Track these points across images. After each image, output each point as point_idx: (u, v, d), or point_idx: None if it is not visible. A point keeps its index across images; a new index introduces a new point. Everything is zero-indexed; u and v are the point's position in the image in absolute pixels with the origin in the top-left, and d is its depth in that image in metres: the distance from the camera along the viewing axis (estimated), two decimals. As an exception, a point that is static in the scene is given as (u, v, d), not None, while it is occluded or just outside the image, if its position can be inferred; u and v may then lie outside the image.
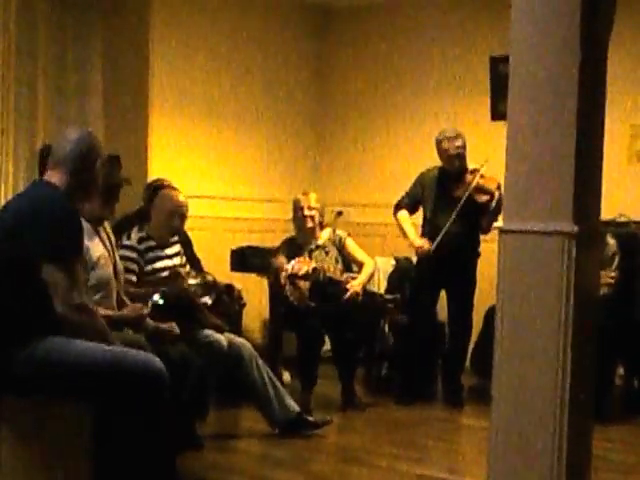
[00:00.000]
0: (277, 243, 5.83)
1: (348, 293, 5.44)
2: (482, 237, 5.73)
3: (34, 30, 5.68)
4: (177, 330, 4.22)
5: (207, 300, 4.84)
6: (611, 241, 5.55)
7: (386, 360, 6.36)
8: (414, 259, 6.05)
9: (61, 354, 3.05)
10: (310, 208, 5.58)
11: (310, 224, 5.57)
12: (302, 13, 7.52)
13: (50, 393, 3.08)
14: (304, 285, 5.37)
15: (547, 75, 3.05)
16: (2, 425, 3.10)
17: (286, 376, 5.95)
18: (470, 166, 5.67)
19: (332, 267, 5.52)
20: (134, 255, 4.55)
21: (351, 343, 5.57)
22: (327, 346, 5.68)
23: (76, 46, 5.96)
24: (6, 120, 5.55)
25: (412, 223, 5.79)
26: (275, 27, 7.25)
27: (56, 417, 3.13)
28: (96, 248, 3.90)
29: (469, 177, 5.60)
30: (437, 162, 5.78)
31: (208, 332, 4.56)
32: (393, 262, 6.56)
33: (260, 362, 4.73)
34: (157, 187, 5.02)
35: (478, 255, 5.75)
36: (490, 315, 5.55)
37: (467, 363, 6.01)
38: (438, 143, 5.68)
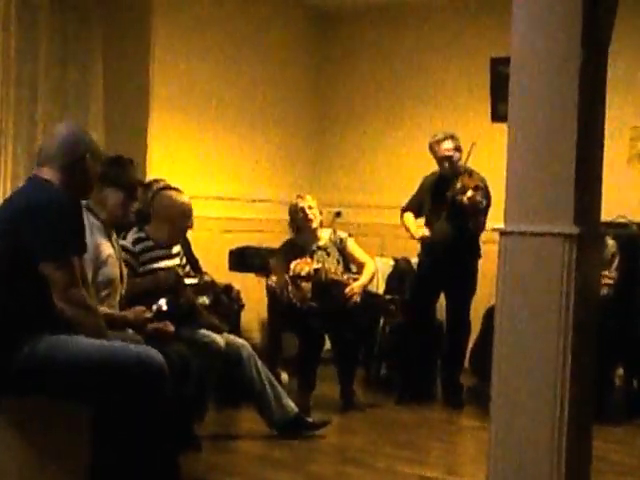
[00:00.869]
0: (276, 243, 5.83)
1: (349, 294, 5.43)
2: (482, 238, 5.73)
3: (34, 31, 5.69)
4: (171, 328, 4.21)
5: (205, 300, 4.83)
6: (610, 242, 5.56)
7: (385, 361, 6.36)
8: (413, 260, 6.06)
9: (61, 352, 3.05)
10: (310, 208, 5.58)
11: (314, 224, 5.57)
12: (302, 15, 7.52)
13: (50, 391, 3.08)
14: (306, 286, 5.37)
15: (548, 77, 3.05)
16: (2, 425, 3.10)
17: (284, 377, 5.94)
18: (466, 166, 5.67)
19: (334, 268, 5.52)
20: (127, 257, 4.51)
21: (351, 343, 5.57)
22: (326, 347, 5.67)
23: (76, 47, 5.97)
24: (6, 121, 5.55)
25: (418, 225, 5.82)
26: (275, 29, 7.25)
27: (56, 417, 3.13)
28: (106, 246, 3.94)
29: (459, 179, 5.60)
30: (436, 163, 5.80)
31: (206, 333, 4.55)
32: (392, 263, 6.57)
33: (259, 363, 4.73)
34: (157, 188, 5.01)
35: (479, 257, 5.75)
36: (489, 316, 5.55)
37: (466, 364, 6.01)
38: (429, 147, 5.72)
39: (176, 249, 4.73)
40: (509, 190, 3.16)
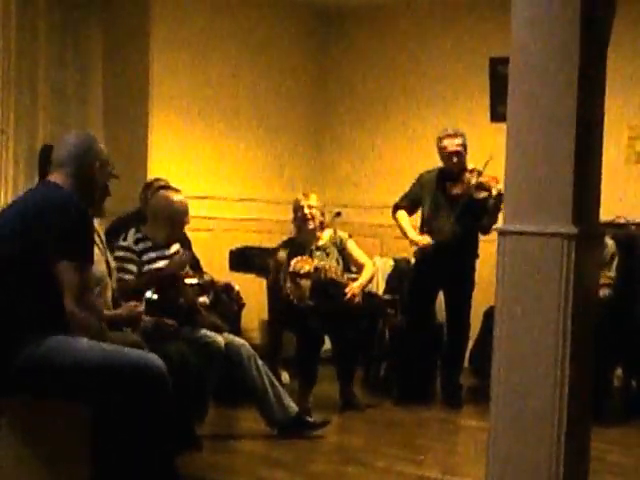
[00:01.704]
0: (276, 244, 5.83)
1: (348, 295, 5.44)
2: (481, 238, 5.74)
3: (34, 31, 5.70)
4: (171, 321, 4.22)
5: (205, 300, 4.84)
6: (609, 242, 5.56)
7: (385, 361, 6.37)
8: (412, 260, 6.06)
9: (63, 353, 3.05)
10: (310, 207, 5.57)
11: (311, 225, 5.55)
12: (303, 14, 7.52)
13: (51, 391, 3.09)
14: (305, 284, 5.37)
15: (547, 76, 3.05)
16: (2, 425, 3.11)
17: (285, 376, 5.95)
18: (469, 166, 5.68)
19: (333, 268, 5.53)
20: (131, 256, 4.53)
21: (350, 343, 5.58)
22: (326, 346, 5.68)
23: (76, 47, 5.98)
24: (6, 120, 5.56)
25: (412, 226, 5.80)
26: (276, 29, 7.25)
27: (56, 417, 3.13)
28: None
29: (468, 176, 5.61)
30: (436, 163, 5.80)
31: (206, 332, 4.56)
32: (392, 263, 6.57)
33: (259, 362, 4.73)
34: (155, 188, 5.02)
35: (477, 256, 5.76)
36: (489, 315, 5.56)
37: (466, 364, 6.01)
38: (438, 141, 5.71)
39: (174, 248, 4.73)
40: (508, 190, 3.17)
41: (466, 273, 5.72)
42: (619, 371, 5.81)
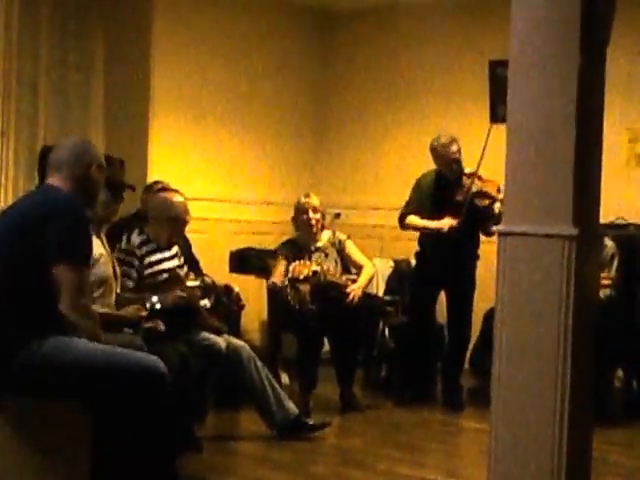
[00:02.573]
0: (276, 245, 5.83)
1: (349, 297, 5.43)
2: (481, 239, 5.74)
3: (36, 32, 5.70)
4: (162, 327, 4.22)
5: (206, 302, 4.84)
6: (609, 243, 5.56)
7: (385, 362, 6.37)
8: (413, 261, 6.06)
9: (64, 353, 3.06)
10: (315, 211, 5.58)
11: (314, 228, 5.57)
12: (302, 17, 7.52)
13: (51, 392, 3.09)
14: (305, 288, 5.37)
15: (546, 79, 3.05)
16: (2, 425, 3.11)
17: (284, 378, 5.95)
18: (467, 169, 5.68)
19: (332, 269, 5.53)
20: (133, 260, 4.52)
21: (350, 345, 5.58)
22: (326, 348, 5.68)
23: (78, 49, 5.99)
24: (7, 121, 5.57)
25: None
26: (276, 31, 7.25)
27: (56, 417, 3.14)
28: (97, 247, 3.93)
29: (467, 181, 5.60)
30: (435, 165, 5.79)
31: (206, 334, 4.56)
32: (392, 264, 6.57)
33: (259, 364, 4.73)
34: (155, 190, 5.02)
35: (478, 257, 5.75)
36: (489, 317, 5.56)
37: (466, 365, 6.01)
38: (433, 150, 5.68)
39: (173, 250, 4.74)
40: (508, 191, 3.17)
41: (467, 274, 5.72)
42: (620, 372, 5.81)
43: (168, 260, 4.65)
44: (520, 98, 3.12)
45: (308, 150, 7.61)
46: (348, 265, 5.70)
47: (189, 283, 4.64)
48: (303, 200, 5.62)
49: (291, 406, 4.77)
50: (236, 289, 5.63)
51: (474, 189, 5.54)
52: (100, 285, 3.93)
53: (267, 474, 4.24)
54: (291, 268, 5.37)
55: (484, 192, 5.53)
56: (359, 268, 5.66)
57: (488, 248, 4.93)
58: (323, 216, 5.67)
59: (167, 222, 4.64)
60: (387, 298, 6.05)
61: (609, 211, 4.98)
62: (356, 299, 5.45)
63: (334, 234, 5.71)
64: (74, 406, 3.13)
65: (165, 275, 4.59)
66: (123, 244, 4.67)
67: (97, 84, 6.08)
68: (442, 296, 5.86)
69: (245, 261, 6.35)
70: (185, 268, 4.81)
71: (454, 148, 5.63)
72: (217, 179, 6.85)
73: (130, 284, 4.47)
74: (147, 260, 4.56)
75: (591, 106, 3.09)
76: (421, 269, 5.86)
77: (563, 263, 3.01)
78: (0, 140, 5.55)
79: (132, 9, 6.37)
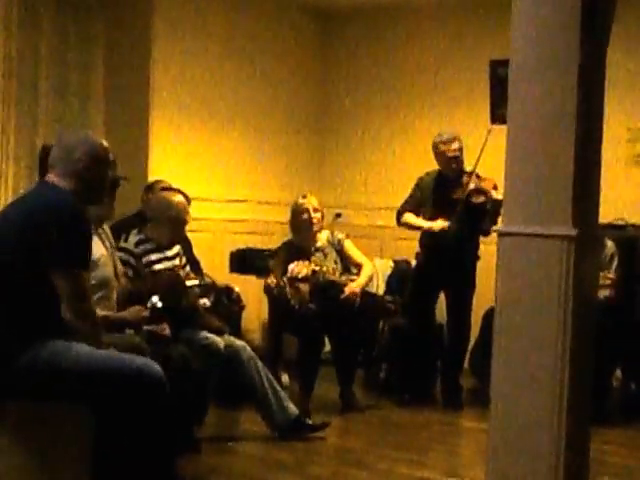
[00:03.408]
0: (276, 245, 5.84)
1: (346, 292, 5.43)
2: (481, 239, 5.74)
3: (36, 32, 5.70)
4: (168, 331, 4.22)
5: (206, 302, 4.84)
6: (609, 243, 5.57)
7: (385, 362, 6.37)
8: (413, 261, 6.06)
9: (64, 358, 3.05)
10: (316, 210, 5.58)
11: (316, 227, 5.58)
12: (303, 17, 7.53)
13: (51, 396, 3.09)
14: (304, 288, 5.37)
15: (547, 79, 3.06)
16: (2, 426, 3.11)
17: (285, 378, 5.95)
18: (467, 168, 5.69)
19: (331, 269, 5.53)
20: (129, 259, 4.53)
21: (350, 345, 5.58)
22: (326, 347, 5.68)
23: (78, 48, 5.98)
24: (7, 121, 5.56)
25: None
26: (276, 31, 7.25)
27: (56, 419, 3.14)
28: (97, 248, 3.91)
29: (466, 179, 5.62)
30: (436, 165, 5.80)
31: (207, 335, 4.56)
32: (392, 264, 6.57)
33: (259, 364, 4.73)
34: (156, 190, 5.02)
35: (477, 258, 5.76)
36: (489, 317, 5.56)
37: (466, 365, 6.01)
38: (435, 147, 5.70)
39: (175, 250, 4.74)
40: (508, 191, 3.17)
41: (467, 274, 5.72)
42: (618, 372, 5.81)
43: (168, 260, 4.65)
44: (520, 98, 3.12)
45: (308, 150, 7.62)
46: (348, 265, 5.70)
47: (189, 282, 4.64)
48: (300, 201, 5.62)
49: (291, 406, 4.77)
50: (236, 289, 5.64)
51: (471, 186, 5.55)
52: (101, 287, 3.90)
53: (267, 475, 4.24)
54: (290, 268, 5.38)
55: (479, 189, 5.54)
56: (358, 267, 5.66)
57: (488, 249, 4.94)
58: (323, 216, 5.67)
59: (167, 222, 4.64)
60: (387, 298, 6.05)
61: (608, 211, 4.97)
62: (355, 297, 5.45)
63: (332, 234, 5.71)
64: (74, 409, 3.13)
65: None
66: (121, 243, 4.67)
67: (97, 83, 6.07)
68: (442, 296, 5.86)
69: (245, 261, 6.35)
70: (187, 268, 4.81)
71: (455, 146, 5.64)
72: (217, 179, 6.85)
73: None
74: (145, 259, 4.56)
75: (591, 106, 3.09)
76: (421, 269, 5.86)
77: (562, 263, 3.02)
78: (0, 140, 5.55)
79: (132, 9, 6.37)
